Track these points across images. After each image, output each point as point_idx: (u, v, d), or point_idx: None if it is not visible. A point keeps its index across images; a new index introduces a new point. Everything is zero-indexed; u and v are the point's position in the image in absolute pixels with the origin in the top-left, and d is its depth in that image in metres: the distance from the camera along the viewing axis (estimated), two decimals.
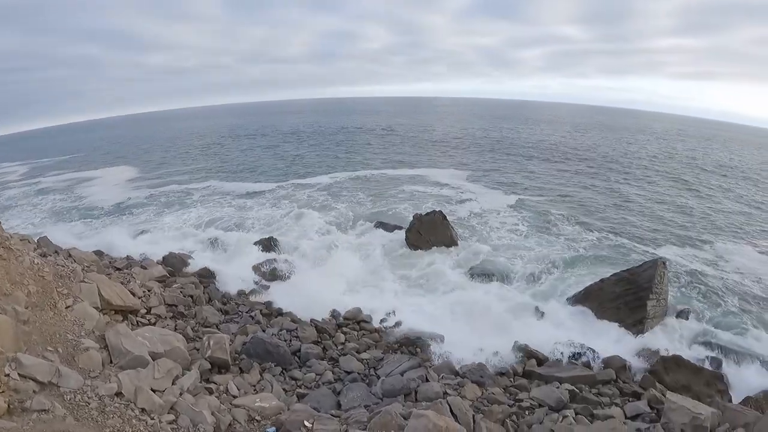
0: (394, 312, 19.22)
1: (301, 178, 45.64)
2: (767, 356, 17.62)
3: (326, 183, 43.15)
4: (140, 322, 14.69)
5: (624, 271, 20.59)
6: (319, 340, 16.67)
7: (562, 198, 39.04)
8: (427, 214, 27.51)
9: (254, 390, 12.38)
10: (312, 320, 18.09)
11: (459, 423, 10.11)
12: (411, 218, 27.84)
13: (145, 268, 19.83)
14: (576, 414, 12.26)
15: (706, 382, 15.05)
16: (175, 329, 14.94)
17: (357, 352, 16.04)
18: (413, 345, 16.66)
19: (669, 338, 18.57)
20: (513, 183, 44.38)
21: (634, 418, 12.51)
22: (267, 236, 26.51)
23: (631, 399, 13.99)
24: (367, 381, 13.97)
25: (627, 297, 19.18)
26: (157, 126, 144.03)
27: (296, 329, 16.93)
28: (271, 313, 18.79)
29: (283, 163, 56.17)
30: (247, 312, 18.44)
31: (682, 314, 20.28)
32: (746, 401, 14.34)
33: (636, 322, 18.57)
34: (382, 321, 18.86)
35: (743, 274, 25.16)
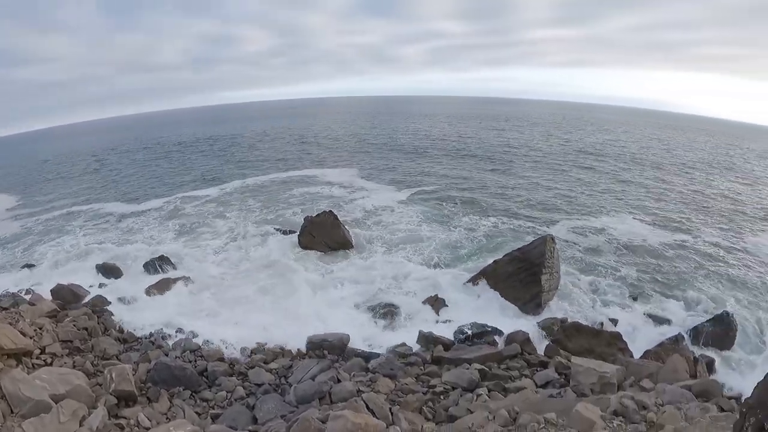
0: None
1: (190, 191, 43.63)
2: (659, 312, 19.56)
3: (215, 194, 41.59)
4: (36, 364, 13.46)
5: (515, 250, 21.58)
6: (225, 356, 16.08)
7: (455, 188, 40.35)
8: (318, 215, 27.28)
9: (166, 418, 11.72)
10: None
11: (377, 418, 10.02)
12: (303, 221, 27.54)
13: (34, 305, 18.08)
14: (489, 391, 12.54)
15: (607, 342, 16.01)
16: (74, 366, 13.76)
17: (265, 362, 15.58)
18: (320, 348, 16.43)
19: (567, 307, 19.88)
20: (404, 178, 45.18)
21: (544, 385, 13.02)
22: (158, 256, 25.16)
23: (539, 369, 14.56)
24: (280, 391, 13.57)
25: (521, 275, 20.14)
26: (28, 148, 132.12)
27: (199, 348, 16.18)
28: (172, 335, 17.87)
29: (169, 177, 53.38)
30: (147, 338, 17.40)
31: (574, 283, 21.80)
32: (646, 354, 15.66)
33: (533, 297, 19.57)
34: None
35: (629, 241, 27.68)
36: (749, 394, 3.77)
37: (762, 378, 3.59)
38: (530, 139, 76.10)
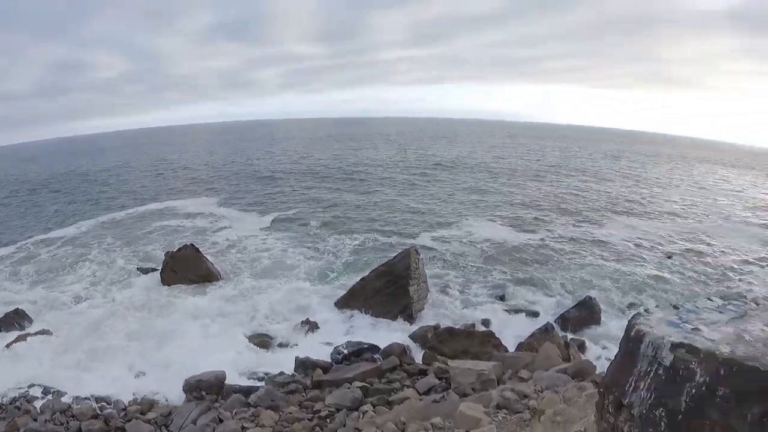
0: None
1: (43, 234, 39.37)
2: (527, 306, 20.97)
3: (72, 235, 37.82)
4: None
5: (381, 265, 21.90)
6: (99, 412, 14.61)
7: (318, 209, 40.22)
8: (179, 249, 25.82)
9: None
10: None
11: None
12: (164, 257, 26.02)
13: None
14: (374, 406, 12.47)
15: (481, 342, 16.67)
16: None
17: (142, 413, 14.34)
18: (197, 389, 15.45)
19: (438, 314, 20.44)
20: (266, 203, 44.17)
21: (427, 392, 13.14)
22: (12, 310, 22.34)
23: (419, 377, 14.73)
24: None
25: (389, 289, 20.44)
26: None
27: (70, 408, 14.57)
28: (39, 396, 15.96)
29: (17, 220, 47.90)
30: (11, 403, 15.33)
31: (443, 290, 22.64)
32: (520, 347, 16.55)
33: (404, 308, 19.91)
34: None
35: (491, 244, 29.37)
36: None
37: (614, 357, 3.87)
38: (388, 156, 78.61)
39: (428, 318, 20.06)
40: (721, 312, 3.70)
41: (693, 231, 36.50)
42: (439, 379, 14.04)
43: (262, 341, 18.96)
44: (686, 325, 3.40)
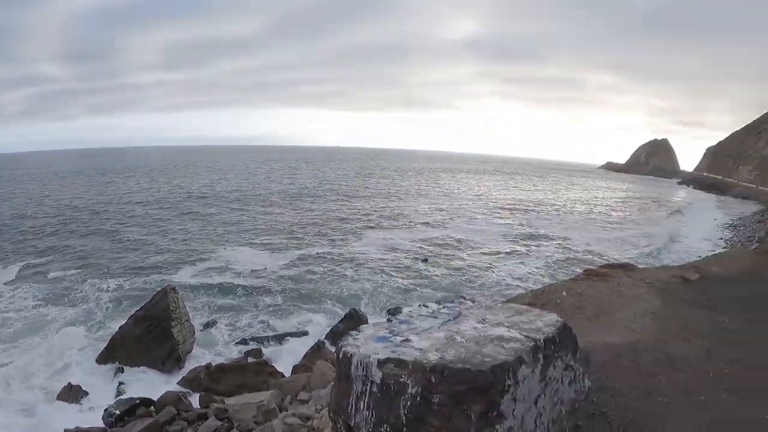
0: None
1: None
2: (297, 327, 21.41)
3: None
4: None
5: (138, 310, 20.54)
6: None
7: (68, 255, 35.77)
8: None
9: None
10: None
11: None
12: None
13: None
14: None
15: (255, 372, 16.63)
16: None
17: None
18: None
19: (208, 352, 19.96)
20: (5, 253, 38.33)
21: None
22: None
23: (200, 422, 14.18)
24: None
25: (151, 334, 19.26)
26: None
27: None
28: None
29: None
30: None
31: (210, 326, 22.09)
32: (295, 369, 16.92)
33: (170, 353, 18.98)
34: None
35: (253, 271, 29.42)
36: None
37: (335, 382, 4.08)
38: (139, 189, 73.47)
39: (198, 358, 19.43)
40: (434, 317, 4.21)
41: (443, 235, 40.92)
42: (221, 420, 13.67)
43: (14, 421, 16.52)
44: (396, 337, 3.79)
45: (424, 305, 4.51)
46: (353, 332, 4.00)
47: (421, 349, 3.52)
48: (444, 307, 4.36)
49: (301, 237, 37.65)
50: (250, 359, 18.29)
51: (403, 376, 3.37)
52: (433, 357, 3.41)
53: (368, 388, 3.55)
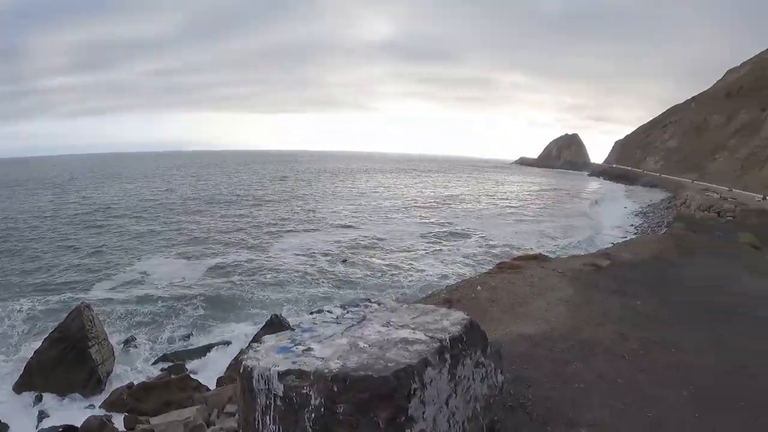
0: None
1: None
2: (220, 338, 20.60)
3: None
4: None
5: (53, 331, 19.33)
6: None
7: None
8: None
9: None
10: None
11: None
12: None
13: None
14: None
15: (179, 388, 15.95)
16: None
17: None
18: None
19: (130, 371, 18.99)
20: None
21: None
22: None
23: None
24: None
25: (68, 356, 18.10)
26: None
27: None
28: None
29: None
30: None
31: (129, 343, 20.98)
32: (220, 381, 16.26)
33: (90, 375, 17.93)
34: None
35: (171, 282, 28.19)
36: None
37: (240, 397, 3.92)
38: (46, 203, 69.13)
39: (120, 378, 18.49)
40: (338, 323, 4.00)
41: (361, 235, 40.95)
42: None
43: None
44: (298, 347, 3.56)
45: (328, 311, 4.35)
46: (254, 344, 3.78)
47: (323, 358, 3.33)
48: (348, 312, 4.19)
49: (219, 244, 36.64)
50: (173, 375, 17.55)
51: (305, 388, 3.18)
52: (334, 365, 3.22)
53: (272, 402, 3.35)
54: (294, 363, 3.31)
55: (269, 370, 3.32)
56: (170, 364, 18.85)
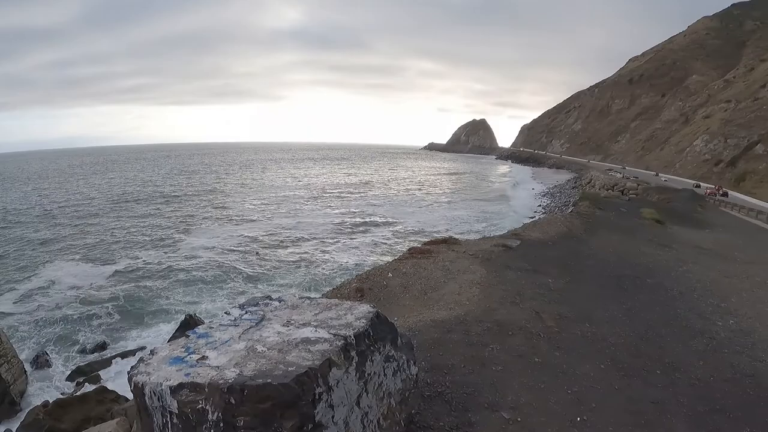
0: None
1: None
2: (135, 343, 19.51)
3: None
4: None
5: None
6: None
7: None
8: None
9: None
10: None
11: None
12: None
13: None
14: None
15: (97, 401, 14.99)
16: None
17: None
18: None
19: (45, 388, 17.78)
20: None
21: None
22: None
23: None
24: None
25: None
26: None
27: None
28: None
29: None
30: None
31: (40, 359, 19.49)
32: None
33: (2, 397, 16.70)
34: None
35: (78, 288, 26.25)
36: None
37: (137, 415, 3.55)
38: None
39: (35, 397, 17.24)
40: (236, 325, 3.64)
41: (273, 227, 40.17)
42: None
43: None
44: (192, 356, 3.20)
45: (225, 312, 3.93)
46: (145, 355, 3.37)
47: (218, 367, 2.98)
48: (246, 312, 3.81)
49: (128, 245, 34.79)
50: (90, 387, 16.54)
51: (201, 402, 2.84)
52: (230, 374, 2.88)
53: (168, 420, 2.99)
54: (187, 375, 2.95)
55: (161, 385, 2.96)
56: (86, 376, 17.74)
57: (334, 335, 3.28)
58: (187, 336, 3.52)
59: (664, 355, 7.19)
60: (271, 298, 4.19)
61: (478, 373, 5.70)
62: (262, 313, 3.77)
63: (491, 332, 6.99)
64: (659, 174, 76.20)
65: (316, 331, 3.35)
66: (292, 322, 3.55)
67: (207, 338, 3.40)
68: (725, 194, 47.36)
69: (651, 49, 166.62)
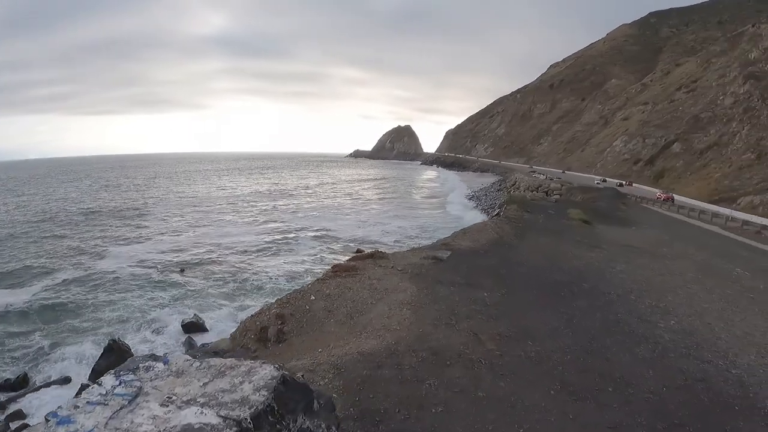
0: None
1: None
2: (55, 375, 17.59)
3: None
4: None
5: None
6: None
7: None
8: None
9: None
10: None
11: None
12: None
13: None
14: None
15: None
16: None
17: None
18: None
19: None
20: None
21: None
22: None
23: None
24: None
25: None
26: None
27: None
28: None
29: None
30: None
31: None
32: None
33: None
34: None
35: None
36: None
37: None
38: None
39: None
40: (105, 403, 2.73)
41: (198, 242, 38.47)
42: None
43: None
44: None
45: (97, 383, 2.98)
46: None
47: None
48: (120, 383, 2.86)
49: (43, 265, 31.86)
50: (11, 425, 14.82)
51: None
52: None
53: None
54: None
55: None
56: (6, 413, 15.89)
57: (224, 418, 2.44)
58: (47, 421, 2.59)
59: (613, 368, 6.77)
60: (155, 358, 3.27)
61: (416, 418, 4.99)
62: (138, 384, 2.85)
63: (427, 363, 6.27)
64: (566, 171, 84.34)
65: (202, 412, 2.47)
66: (174, 397, 2.66)
67: (67, 426, 2.49)
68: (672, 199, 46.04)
69: (572, 55, 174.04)
